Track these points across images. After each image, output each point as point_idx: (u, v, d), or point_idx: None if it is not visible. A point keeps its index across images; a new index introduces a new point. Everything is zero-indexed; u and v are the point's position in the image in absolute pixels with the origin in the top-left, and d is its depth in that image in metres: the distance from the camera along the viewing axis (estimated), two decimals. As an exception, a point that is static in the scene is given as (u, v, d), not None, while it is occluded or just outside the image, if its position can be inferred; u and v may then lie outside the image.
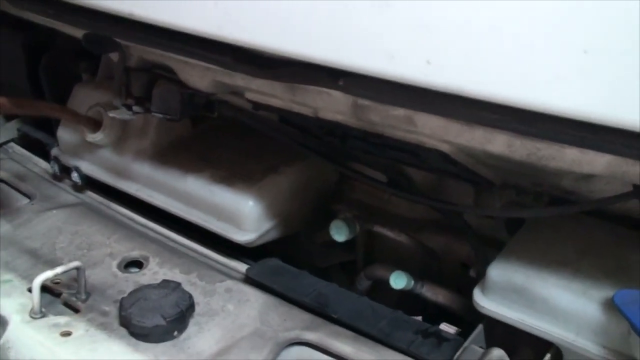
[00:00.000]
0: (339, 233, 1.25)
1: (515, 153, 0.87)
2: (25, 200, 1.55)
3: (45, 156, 1.63)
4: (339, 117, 1.01)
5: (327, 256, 1.47)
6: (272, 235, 1.33)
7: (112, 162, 1.45)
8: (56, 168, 1.55)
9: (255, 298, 1.21)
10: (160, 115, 1.17)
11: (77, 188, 1.54)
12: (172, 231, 1.42)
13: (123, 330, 1.12)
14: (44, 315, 1.15)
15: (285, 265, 1.30)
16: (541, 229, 1.08)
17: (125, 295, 1.14)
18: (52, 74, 1.55)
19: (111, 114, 1.22)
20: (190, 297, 1.15)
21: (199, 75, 1.11)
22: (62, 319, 1.15)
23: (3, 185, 1.60)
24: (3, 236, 1.37)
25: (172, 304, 1.12)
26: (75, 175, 1.50)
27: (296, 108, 1.05)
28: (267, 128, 1.19)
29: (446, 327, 1.43)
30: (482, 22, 0.70)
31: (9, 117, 1.77)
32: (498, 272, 1.01)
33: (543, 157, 0.85)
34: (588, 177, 0.96)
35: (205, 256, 1.37)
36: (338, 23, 0.78)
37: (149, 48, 1.06)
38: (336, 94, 0.95)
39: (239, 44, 0.88)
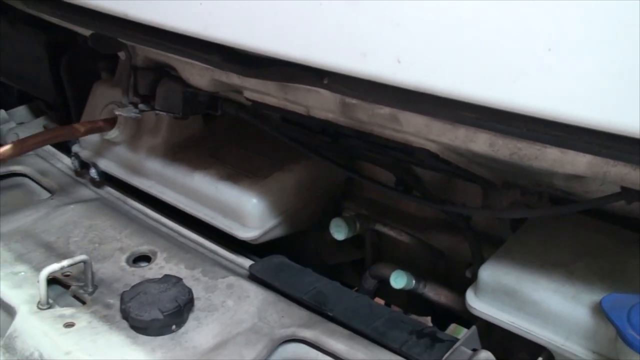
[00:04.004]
0: (339, 231, 1.25)
1: (498, 152, 0.85)
2: (47, 195, 1.61)
3: (69, 152, 1.67)
4: (329, 116, 1.01)
5: (335, 254, 1.48)
6: (277, 233, 1.34)
7: (127, 158, 1.48)
8: (76, 164, 1.59)
9: (255, 294, 1.22)
10: (164, 113, 1.20)
11: (96, 183, 1.59)
12: (183, 226, 1.45)
13: (124, 323, 1.15)
14: (50, 307, 1.19)
15: (290, 262, 1.31)
16: (539, 230, 1.06)
17: (126, 290, 1.17)
18: (72, 72, 1.59)
19: (117, 112, 1.25)
20: (190, 292, 1.17)
21: (199, 74, 1.13)
22: (67, 311, 1.18)
23: (26, 180, 1.66)
24: (21, 229, 1.42)
25: (170, 298, 1.14)
26: (93, 172, 1.54)
27: (290, 106, 1.06)
28: (267, 126, 1.19)
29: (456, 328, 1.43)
30: (448, 21, 0.69)
31: (36, 114, 1.83)
32: (489, 273, 0.99)
33: (525, 156, 0.83)
34: (579, 178, 0.94)
35: (213, 252, 1.39)
36: (311, 21, 0.78)
37: (148, 47, 1.08)
38: (324, 93, 0.95)
39: (223, 43, 0.89)
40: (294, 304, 1.21)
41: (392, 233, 1.26)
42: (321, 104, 0.99)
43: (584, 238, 1.02)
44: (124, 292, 1.17)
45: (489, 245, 1.19)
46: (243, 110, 1.21)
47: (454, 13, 0.69)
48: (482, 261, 1.07)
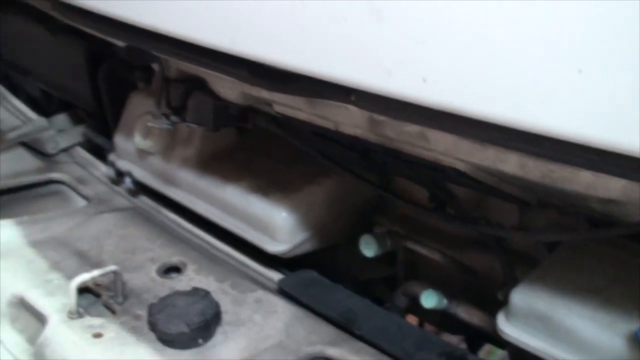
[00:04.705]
0: (368, 248, 1.23)
1: (529, 174, 0.82)
2: (83, 203, 1.63)
3: (106, 160, 1.69)
4: (358, 132, 0.99)
5: (367, 270, 1.45)
6: (308, 247, 1.32)
7: (161, 169, 1.49)
8: (112, 173, 1.61)
9: (283, 310, 1.21)
10: (195, 126, 1.20)
11: (132, 192, 1.60)
12: (215, 238, 1.45)
13: (152, 335, 1.15)
14: (81, 316, 1.19)
15: (321, 277, 1.29)
16: (575, 252, 1.02)
17: (154, 302, 1.17)
18: (110, 81, 1.61)
19: (149, 124, 1.26)
20: (217, 306, 1.16)
21: (229, 87, 1.13)
22: (96, 321, 1.19)
23: (64, 188, 1.68)
24: (57, 237, 1.44)
25: (197, 312, 1.14)
26: (127, 181, 1.56)
27: (318, 121, 1.05)
28: (298, 140, 1.18)
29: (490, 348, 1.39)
30: (475, 40, 0.67)
31: (76, 122, 1.86)
32: (521, 297, 0.96)
33: (557, 179, 0.80)
34: (617, 201, 0.90)
35: (244, 264, 1.38)
36: (336, 38, 0.77)
37: (178, 60, 1.08)
38: (352, 109, 0.93)
39: (250, 58, 0.88)
40: (322, 320, 1.19)
41: (424, 251, 1.24)
42: (349, 120, 0.98)
43: (622, 262, 0.98)
44: (152, 304, 1.17)
45: (523, 265, 1.15)
46: (274, 124, 1.20)
47: (481, 31, 0.66)
48: (515, 283, 1.03)
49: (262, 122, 1.21)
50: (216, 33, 0.90)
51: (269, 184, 1.34)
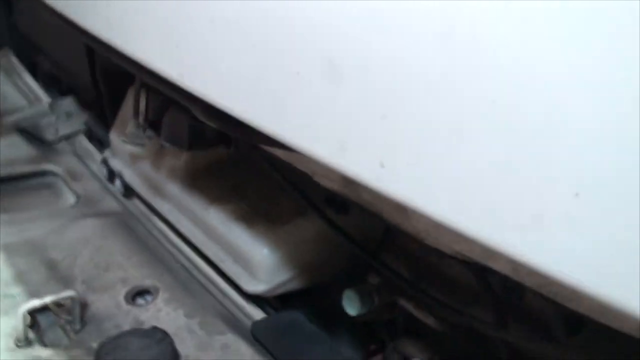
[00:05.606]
0: (350, 305, 1.06)
1: (525, 280, 0.64)
2: (73, 199, 1.51)
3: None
4: (334, 186, 0.83)
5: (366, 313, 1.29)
6: (290, 287, 1.17)
7: (150, 176, 1.36)
8: (104, 172, 1.49)
9: (249, 362, 1.07)
10: (168, 145, 1.05)
11: (123, 194, 1.48)
12: (201, 258, 1.31)
13: (99, 377, 1.03)
14: (29, 344, 1.08)
15: (303, 322, 1.14)
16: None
17: (105, 340, 1.04)
18: (108, 75, 1.48)
19: (122, 139, 1.12)
20: (173, 353, 1.03)
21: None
22: (44, 352, 1.07)
23: (58, 180, 1.58)
24: (32, 241, 1.34)
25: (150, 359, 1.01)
26: (118, 183, 1.43)
27: (297, 165, 0.88)
28: (280, 175, 1.02)
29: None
30: (449, 134, 0.49)
31: (83, 107, 1.75)
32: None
33: (557, 295, 0.62)
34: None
35: (225, 295, 1.24)
36: (287, 93, 0.60)
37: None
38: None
39: (196, 95, 0.72)
40: (292, 379, 1.04)
41: (416, 313, 1.06)
42: (324, 172, 0.81)
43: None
44: (102, 343, 1.04)
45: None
46: (256, 151, 1.04)
47: (459, 113, 0.49)
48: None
49: (244, 147, 1.06)
50: (167, 62, 0.74)
51: (256, 211, 1.18)
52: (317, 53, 0.57)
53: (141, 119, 1.07)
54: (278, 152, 0.89)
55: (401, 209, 0.72)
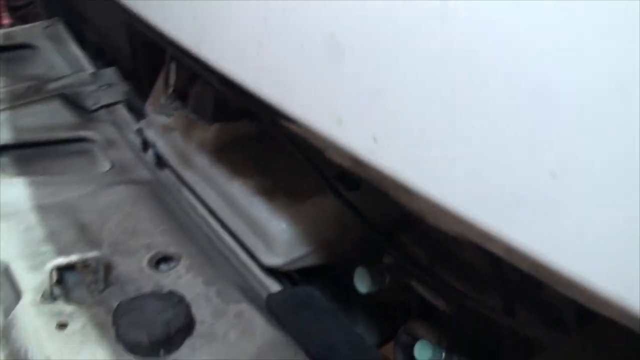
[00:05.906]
0: (361, 283, 1.08)
1: (518, 263, 0.64)
2: (107, 167, 1.56)
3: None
4: (346, 163, 0.84)
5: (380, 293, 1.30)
6: (307, 262, 1.19)
7: (180, 147, 1.39)
8: (139, 141, 1.53)
9: (262, 332, 1.09)
10: (194, 117, 1.08)
11: (156, 164, 1.52)
12: (224, 230, 1.34)
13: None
14: (54, 299, 1.13)
15: (318, 297, 1.16)
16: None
17: (123, 301, 1.09)
18: (146, 47, 1.52)
19: (150, 111, 1.15)
20: (188, 316, 1.06)
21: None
22: (67, 308, 1.12)
23: (94, 148, 1.63)
24: (65, 203, 1.39)
25: (163, 322, 1.04)
26: (150, 153, 1.47)
27: (312, 139, 0.89)
28: (295, 149, 1.04)
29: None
30: (439, 116, 0.50)
31: (124, 78, 1.79)
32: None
33: (553, 279, 0.62)
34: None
35: (245, 266, 1.27)
36: (292, 66, 0.62)
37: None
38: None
39: (212, 66, 0.74)
40: (301, 351, 1.06)
41: (426, 294, 1.07)
42: (335, 149, 0.82)
43: None
44: (119, 304, 1.08)
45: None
46: (275, 125, 1.05)
47: (450, 90, 0.49)
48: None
49: (263, 122, 1.08)
50: (184, 31, 0.77)
51: (278, 187, 1.20)
52: (320, 29, 0.58)
53: (170, 91, 1.10)
54: (292, 126, 0.91)
55: (404, 187, 0.73)
